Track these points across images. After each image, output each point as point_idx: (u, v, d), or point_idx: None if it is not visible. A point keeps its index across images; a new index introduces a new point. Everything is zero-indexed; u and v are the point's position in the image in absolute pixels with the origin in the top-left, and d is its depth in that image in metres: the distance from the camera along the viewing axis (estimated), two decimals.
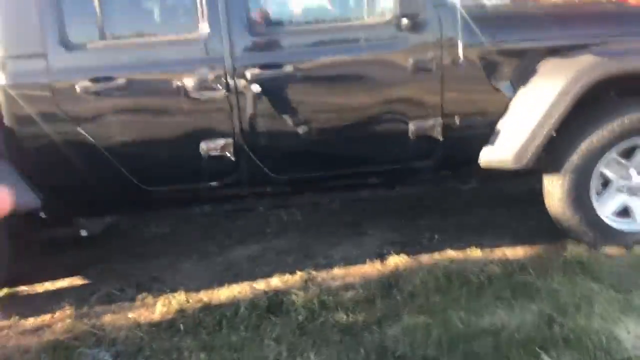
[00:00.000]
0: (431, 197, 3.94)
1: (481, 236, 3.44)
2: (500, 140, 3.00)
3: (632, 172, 3.06)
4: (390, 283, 2.95)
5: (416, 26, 2.86)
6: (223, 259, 3.46)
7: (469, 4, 3.07)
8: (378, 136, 3.00)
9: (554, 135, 2.94)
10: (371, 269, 3.17)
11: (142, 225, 3.96)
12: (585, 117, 3.01)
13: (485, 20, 2.98)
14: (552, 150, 3.06)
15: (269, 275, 3.18)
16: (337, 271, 3.18)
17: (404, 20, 2.81)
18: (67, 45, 2.77)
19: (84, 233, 3.27)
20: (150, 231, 3.92)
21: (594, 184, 3.04)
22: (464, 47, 2.88)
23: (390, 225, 3.66)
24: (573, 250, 3.07)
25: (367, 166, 3.06)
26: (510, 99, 3.00)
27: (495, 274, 2.92)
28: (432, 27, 2.88)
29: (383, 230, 3.62)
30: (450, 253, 3.24)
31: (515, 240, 3.34)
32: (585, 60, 2.87)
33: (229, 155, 2.91)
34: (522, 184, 3.75)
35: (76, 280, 3.37)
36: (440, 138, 2.99)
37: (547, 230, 3.25)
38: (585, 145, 2.94)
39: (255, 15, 2.84)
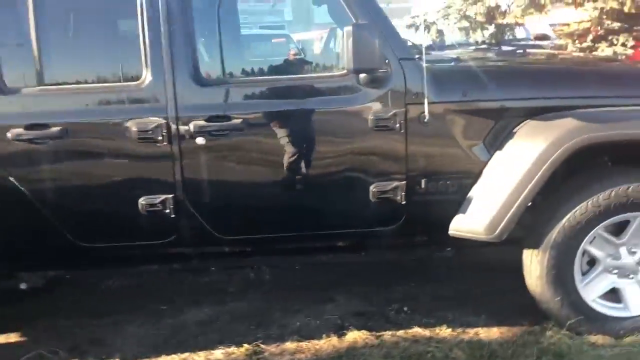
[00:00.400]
0: (411, 263, 3.60)
1: (455, 311, 3.10)
2: (471, 208, 2.68)
3: (622, 250, 2.71)
4: None
5: (376, 81, 2.60)
6: (173, 321, 3.18)
7: (440, 57, 2.82)
8: (334, 197, 2.73)
9: (530, 205, 2.61)
10: (326, 345, 2.85)
11: (99, 277, 3.71)
12: (568, 187, 2.69)
13: (457, 75, 2.72)
14: (531, 222, 2.75)
15: (214, 345, 2.89)
16: (289, 345, 2.87)
17: (362, 75, 2.56)
18: (1, 89, 2.60)
19: (23, 286, 3.04)
20: (106, 284, 3.67)
21: (578, 262, 2.69)
22: (431, 105, 2.61)
23: (360, 293, 3.34)
24: (552, 336, 2.70)
25: (322, 229, 2.77)
26: (485, 163, 2.70)
27: None
28: (395, 82, 2.62)
29: (351, 298, 3.30)
30: (416, 330, 2.91)
31: (492, 319, 2.99)
32: (567, 124, 2.57)
33: (168, 212, 2.66)
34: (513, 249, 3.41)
35: (12, 337, 3.13)
36: (404, 202, 2.69)
37: (530, 308, 2.89)
38: (568, 219, 2.61)
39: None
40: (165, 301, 3.37)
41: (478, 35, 7.15)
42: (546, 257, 2.64)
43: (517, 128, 2.68)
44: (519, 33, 8.08)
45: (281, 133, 2.64)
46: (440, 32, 7.28)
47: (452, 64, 2.81)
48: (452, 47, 5.75)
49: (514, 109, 2.70)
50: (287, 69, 2.76)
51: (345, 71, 2.55)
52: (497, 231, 2.60)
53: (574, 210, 2.60)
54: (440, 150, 2.70)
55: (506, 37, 7.31)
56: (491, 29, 7.17)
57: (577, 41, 6.41)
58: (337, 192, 2.72)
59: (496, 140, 2.69)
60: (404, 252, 3.03)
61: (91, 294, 3.55)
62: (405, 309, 3.14)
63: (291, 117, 2.64)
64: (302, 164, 2.68)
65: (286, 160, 2.66)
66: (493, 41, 7.02)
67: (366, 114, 2.62)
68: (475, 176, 2.71)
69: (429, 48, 3.79)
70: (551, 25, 8.32)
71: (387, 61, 2.59)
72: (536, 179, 2.54)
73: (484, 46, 6.15)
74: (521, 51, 3.52)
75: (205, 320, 3.16)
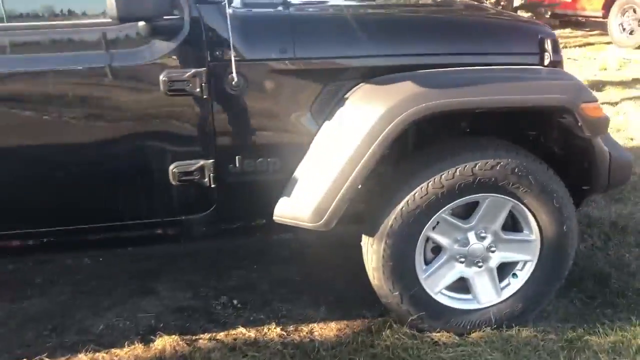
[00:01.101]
0: (252, 244, 3.12)
1: (292, 303, 2.67)
2: (296, 191, 2.21)
3: (470, 236, 2.34)
4: None
5: (166, 31, 2.02)
6: None
7: (254, 1, 2.25)
8: (122, 181, 2.16)
9: (361, 187, 2.16)
10: (127, 354, 2.35)
11: None
12: (407, 164, 2.26)
13: (276, 25, 2.17)
14: (368, 206, 2.32)
15: None
16: (81, 357, 2.34)
17: (141, 23, 1.96)
18: None
19: None
20: None
21: (420, 251, 2.30)
22: (241, 64, 2.07)
23: (187, 282, 2.84)
24: (389, 338, 2.32)
25: (109, 220, 2.21)
26: (312, 136, 2.21)
27: None
28: (191, 33, 2.04)
29: (175, 289, 2.80)
30: (240, 332, 2.46)
31: (332, 312, 2.59)
32: (405, 89, 2.10)
33: None
34: None
35: None
36: (214, 184, 2.17)
37: (374, 301, 2.49)
38: (406, 203, 2.18)
39: None
40: None
41: None
42: (382, 246, 2.23)
43: (348, 93, 2.19)
44: None
45: (38, 102, 2.01)
46: None
47: (273, 10, 2.25)
48: None
49: (346, 69, 2.20)
50: (39, 13, 2.08)
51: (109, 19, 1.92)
52: (324, 219, 2.14)
53: (412, 193, 2.18)
54: (257, 121, 2.18)
55: None
56: None
57: None
58: (126, 176, 2.15)
59: (325, 108, 2.20)
60: (228, 239, 2.53)
61: None
62: (235, 302, 2.68)
63: (48, 79, 1.99)
64: (78, 143, 2.08)
65: (55, 138, 2.05)
66: None
67: (156, 74, 2.04)
68: (302, 152, 2.22)
69: None
70: None
71: (181, 4, 2.01)
72: (366, 157, 2.08)
73: None
74: None
75: None
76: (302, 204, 2.18)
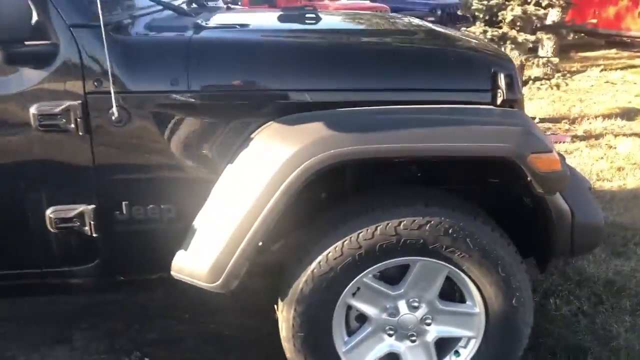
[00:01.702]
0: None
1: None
2: (195, 244, 1.89)
3: (401, 304, 1.96)
4: None
5: (36, 57, 1.75)
6: None
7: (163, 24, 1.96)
8: None
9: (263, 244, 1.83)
10: None
11: None
12: (323, 219, 1.92)
13: (168, 52, 1.87)
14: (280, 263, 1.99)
15: None
16: None
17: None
18: None
19: None
20: None
21: (339, 320, 1.94)
22: (124, 96, 1.78)
23: (108, 332, 2.55)
24: None
25: None
26: (214, 181, 1.90)
27: None
28: (66, 61, 1.76)
29: (91, 340, 2.52)
30: None
31: None
32: (313, 132, 1.76)
33: None
34: None
35: None
36: (96, 233, 1.88)
37: None
38: (318, 265, 1.84)
39: None
40: None
41: None
42: (291, 313, 1.89)
43: (255, 133, 1.87)
44: None
45: None
46: None
47: (173, 34, 1.95)
48: None
49: (255, 105, 1.88)
50: None
51: None
52: (221, 279, 1.82)
53: (325, 253, 1.83)
54: (146, 163, 1.88)
55: None
56: None
57: None
58: None
59: (228, 149, 1.88)
60: (127, 291, 2.24)
61: None
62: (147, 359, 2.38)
63: None
64: None
65: None
66: None
67: (25, 106, 1.77)
68: (201, 199, 1.90)
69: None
70: None
71: (54, 27, 1.74)
72: (266, 210, 1.75)
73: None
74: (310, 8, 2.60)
75: None
76: (199, 260, 1.86)
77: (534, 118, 5.57)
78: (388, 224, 1.80)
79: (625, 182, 4.18)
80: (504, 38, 5.24)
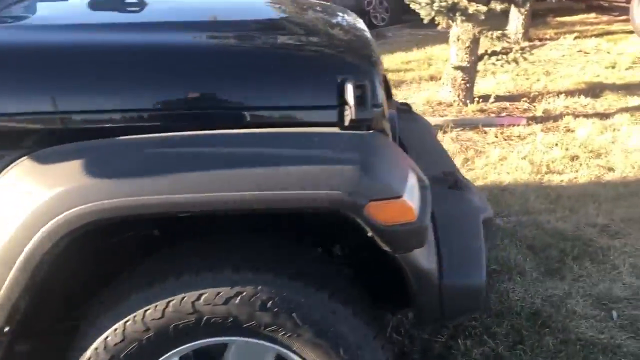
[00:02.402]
0: None
1: None
2: None
3: None
4: None
5: None
6: None
7: None
8: None
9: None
10: None
11: None
12: (109, 292, 1.45)
13: None
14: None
15: None
16: None
17: None
18: None
19: None
20: None
21: None
22: None
23: None
24: None
25: None
26: None
27: None
28: None
29: None
30: None
31: None
32: (65, 178, 1.28)
33: None
34: None
35: None
36: None
37: None
38: (94, 352, 1.38)
39: None
40: None
41: None
42: None
43: (4, 172, 1.38)
44: None
45: None
46: None
47: None
48: None
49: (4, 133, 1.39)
50: None
51: None
52: None
53: (103, 338, 1.36)
54: None
55: None
56: None
57: None
58: None
59: None
60: None
61: None
62: None
63: None
64: None
65: None
66: None
67: None
68: None
69: None
70: None
71: None
72: (4, 290, 1.28)
73: None
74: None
75: None
76: None
77: (489, 97, 5.07)
78: (183, 298, 1.33)
79: (577, 175, 3.72)
80: (453, 9, 4.68)
